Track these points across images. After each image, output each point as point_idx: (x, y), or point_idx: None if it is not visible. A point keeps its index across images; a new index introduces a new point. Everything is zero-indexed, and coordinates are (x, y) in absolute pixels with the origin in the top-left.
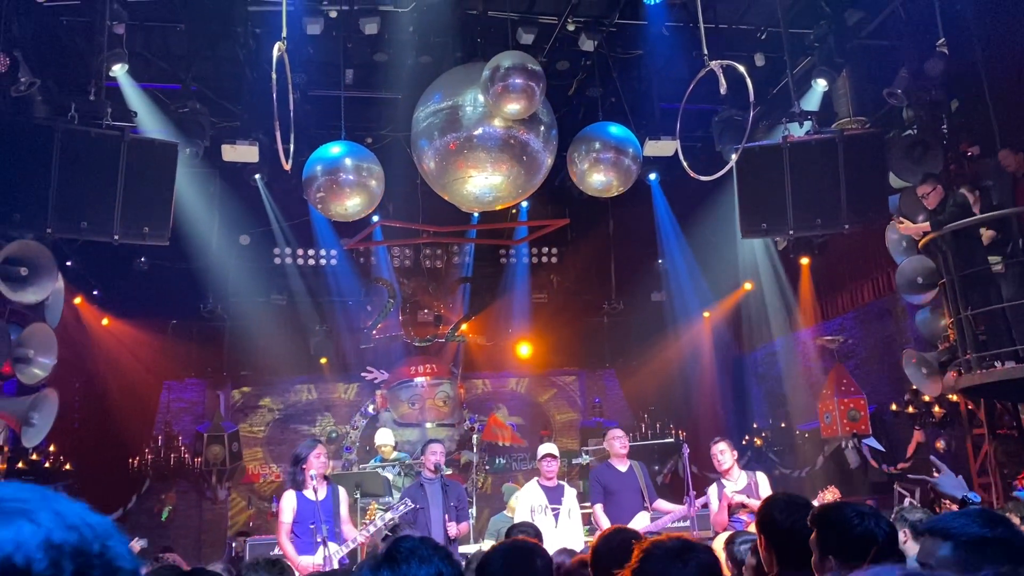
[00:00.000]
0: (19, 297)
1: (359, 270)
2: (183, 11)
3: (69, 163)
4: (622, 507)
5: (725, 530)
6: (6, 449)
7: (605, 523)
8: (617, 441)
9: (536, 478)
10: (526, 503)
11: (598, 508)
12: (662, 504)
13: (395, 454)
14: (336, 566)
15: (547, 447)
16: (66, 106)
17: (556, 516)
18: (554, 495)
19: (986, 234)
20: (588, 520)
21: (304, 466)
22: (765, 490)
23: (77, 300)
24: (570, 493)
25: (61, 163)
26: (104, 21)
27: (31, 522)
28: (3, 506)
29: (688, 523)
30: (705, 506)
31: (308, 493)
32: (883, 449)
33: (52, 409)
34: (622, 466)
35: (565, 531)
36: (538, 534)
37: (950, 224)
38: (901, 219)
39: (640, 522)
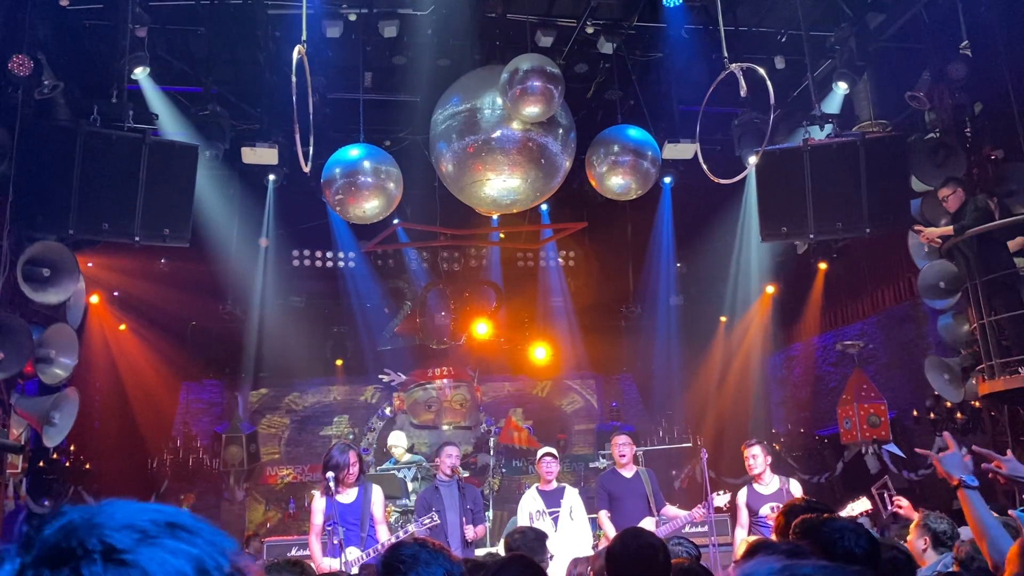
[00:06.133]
0: (41, 298)
1: (377, 272)
2: (204, 15)
3: (91, 165)
4: (626, 513)
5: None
6: (28, 448)
7: (610, 529)
8: (616, 448)
9: (536, 484)
10: (525, 510)
11: (603, 514)
12: (670, 510)
13: (407, 456)
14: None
15: (546, 448)
16: (88, 109)
17: (556, 520)
18: (552, 499)
19: (1014, 241)
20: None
21: (340, 472)
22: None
23: (95, 300)
24: (571, 493)
25: (83, 165)
26: (126, 24)
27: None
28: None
29: (706, 528)
30: (723, 511)
31: (340, 496)
32: (903, 455)
33: (73, 409)
34: (627, 472)
35: (567, 534)
36: (539, 536)
37: (973, 228)
38: (919, 227)
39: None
